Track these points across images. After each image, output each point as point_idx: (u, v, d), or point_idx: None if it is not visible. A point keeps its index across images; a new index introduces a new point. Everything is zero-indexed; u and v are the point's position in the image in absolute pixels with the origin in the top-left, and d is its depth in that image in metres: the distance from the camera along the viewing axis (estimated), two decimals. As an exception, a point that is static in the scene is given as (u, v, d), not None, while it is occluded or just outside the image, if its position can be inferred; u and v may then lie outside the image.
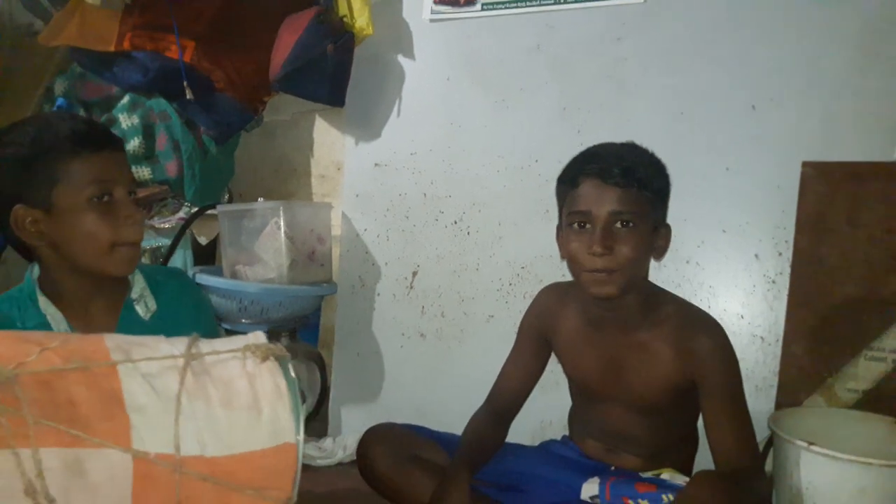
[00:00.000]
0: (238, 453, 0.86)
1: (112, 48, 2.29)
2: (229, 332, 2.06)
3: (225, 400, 0.87)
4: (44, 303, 1.16)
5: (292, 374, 0.92)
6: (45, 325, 1.15)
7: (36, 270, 1.19)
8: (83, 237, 1.11)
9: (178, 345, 0.92)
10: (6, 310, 1.16)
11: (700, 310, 1.39)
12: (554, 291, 1.51)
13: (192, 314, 1.30)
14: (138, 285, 1.24)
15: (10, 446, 0.74)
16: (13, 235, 1.13)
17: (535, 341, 1.50)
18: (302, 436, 0.89)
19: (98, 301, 1.20)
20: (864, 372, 1.72)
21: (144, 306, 1.23)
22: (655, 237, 1.30)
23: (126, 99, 2.35)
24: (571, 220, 1.28)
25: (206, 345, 0.94)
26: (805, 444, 1.46)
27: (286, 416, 0.89)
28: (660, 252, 1.33)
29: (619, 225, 1.24)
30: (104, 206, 1.11)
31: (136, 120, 2.30)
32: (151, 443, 0.81)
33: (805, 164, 1.82)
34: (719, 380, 1.27)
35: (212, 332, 1.19)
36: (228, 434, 0.86)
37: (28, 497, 0.74)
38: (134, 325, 1.19)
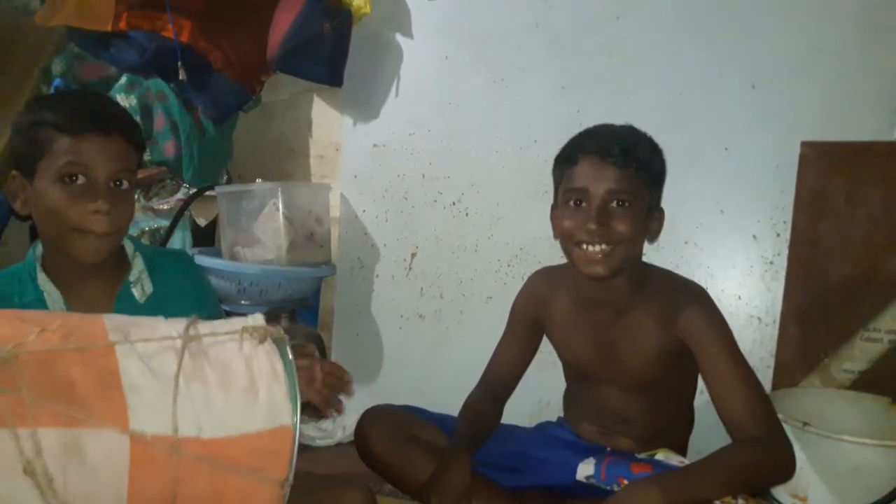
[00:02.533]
0: (234, 435, 0.86)
1: (109, 28, 2.27)
2: (229, 314, 2.05)
3: (222, 382, 0.87)
4: (42, 280, 1.17)
5: (290, 356, 0.92)
6: (41, 302, 1.15)
7: (38, 248, 1.19)
8: (48, 214, 1.11)
9: (177, 326, 0.92)
10: (5, 285, 1.16)
11: (684, 278, 1.38)
12: (545, 275, 1.51)
13: (191, 297, 1.29)
14: (137, 268, 1.24)
15: (9, 425, 0.74)
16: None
17: (527, 325, 1.51)
18: (298, 418, 0.90)
19: (95, 281, 1.19)
20: (860, 353, 1.73)
21: (140, 289, 1.23)
22: (649, 220, 1.30)
23: (123, 79, 2.33)
24: (568, 197, 1.28)
25: (204, 326, 0.94)
26: (800, 424, 1.47)
27: (282, 398, 0.90)
28: (653, 235, 1.33)
29: (614, 204, 1.24)
30: (74, 188, 1.10)
31: (133, 101, 2.29)
32: (148, 423, 0.81)
33: (804, 144, 1.82)
34: (709, 340, 1.25)
35: (214, 315, 1.18)
36: (225, 416, 0.86)
37: (27, 476, 0.74)
38: (129, 307, 1.19)
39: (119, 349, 0.84)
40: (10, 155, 1.16)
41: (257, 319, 0.97)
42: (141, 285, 1.23)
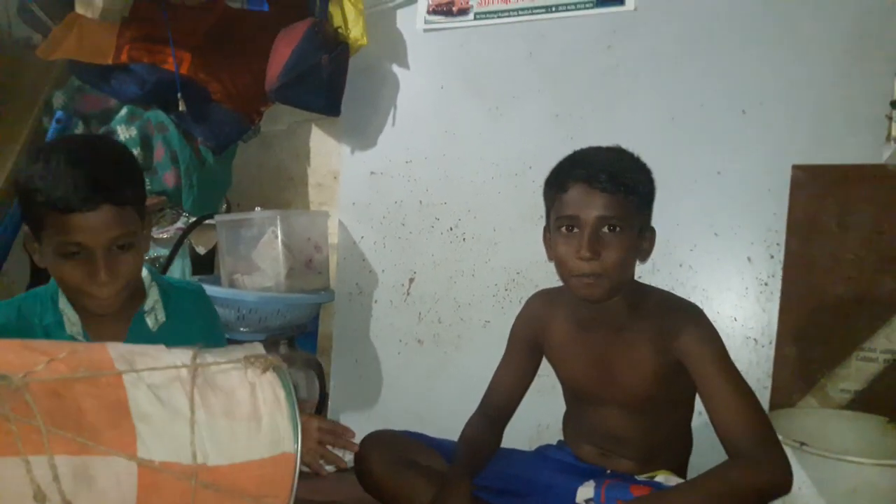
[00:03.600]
0: (239, 462, 0.88)
1: (110, 61, 2.31)
2: (229, 341, 2.07)
3: (227, 410, 0.89)
4: (63, 304, 1.22)
5: (290, 384, 0.95)
6: (60, 325, 1.20)
7: None
8: (58, 279, 1.17)
9: (181, 355, 0.94)
10: (28, 307, 1.21)
11: (680, 298, 1.39)
12: (543, 297, 1.53)
13: (201, 329, 1.33)
14: (152, 297, 1.29)
15: (21, 453, 0.76)
16: None
17: (526, 347, 1.52)
18: (300, 445, 0.91)
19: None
20: (856, 372, 1.74)
21: (154, 318, 1.28)
22: (641, 240, 1.32)
23: (124, 111, 2.37)
24: (560, 223, 1.30)
25: (208, 355, 0.96)
26: (797, 444, 1.48)
27: (285, 425, 0.92)
28: (644, 255, 1.35)
29: (606, 230, 1.26)
30: (74, 261, 1.12)
31: (133, 132, 2.33)
32: (157, 451, 0.83)
33: (795, 167, 1.84)
34: (705, 358, 1.25)
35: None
36: (230, 444, 0.88)
37: (37, 502, 0.75)
38: (142, 335, 1.24)
39: (126, 378, 0.86)
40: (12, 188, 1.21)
41: (257, 348, 0.99)
42: (155, 314, 1.28)
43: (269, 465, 0.90)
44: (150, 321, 1.27)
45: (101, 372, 0.85)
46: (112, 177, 1.14)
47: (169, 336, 1.16)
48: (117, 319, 1.24)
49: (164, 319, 1.29)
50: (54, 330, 1.19)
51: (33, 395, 0.79)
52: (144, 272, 1.30)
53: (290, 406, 0.93)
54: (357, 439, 1.54)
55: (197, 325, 1.34)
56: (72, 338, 1.20)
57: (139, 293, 1.28)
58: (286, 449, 0.91)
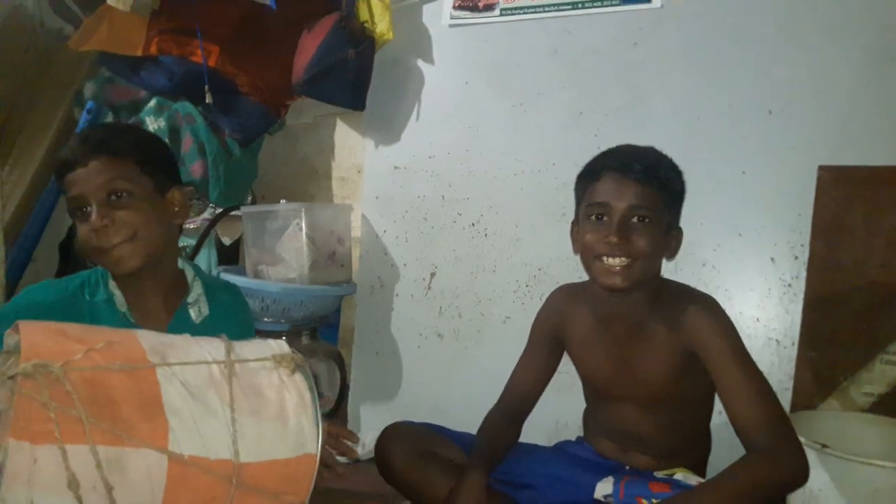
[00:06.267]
0: (265, 461, 0.91)
1: (140, 53, 2.35)
2: (251, 331, 2.10)
3: (256, 409, 0.92)
4: (112, 285, 1.27)
5: (314, 386, 0.98)
6: (110, 302, 1.25)
7: None
8: (81, 243, 1.23)
9: (210, 349, 0.96)
10: (78, 286, 1.26)
11: (695, 289, 1.39)
12: (565, 292, 1.54)
13: (239, 325, 1.39)
14: (195, 291, 1.34)
15: (58, 441, 0.78)
16: None
17: (548, 342, 1.53)
18: (320, 445, 0.94)
19: (156, 298, 1.29)
20: (880, 376, 1.73)
21: (198, 310, 1.33)
22: (668, 238, 1.32)
23: (153, 102, 2.40)
24: (590, 211, 1.31)
25: (238, 348, 0.99)
26: (818, 447, 1.47)
27: (310, 427, 0.95)
28: (671, 253, 1.35)
29: (635, 220, 1.27)
30: (86, 215, 1.21)
31: (162, 123, 2.36)
32: (186, 445, 0.85)
33: (821, 168, 1.83)
34: (717, 346, 1.26)
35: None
36: (257, 442, 0.90)
37: (70, 490, 0.78)
38: (186, 325, 1.28)
39: (160, 371, 0.88)
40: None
41: (283, 346, 1.02)
42: (198, 307, 1.33)
43: (293, 465, 0.93)
44: (193, 313, 1.32)
45: (136, 365, 0.88)
46: (105, 133, 1.27)
47: (210, 329, 1.19)
48: (161, 308, 1.29)
49: (207, 313, 1.33)
50: (104, 308, 1.24)
51: (73, 384, 0.81)
52: (189, 269, 1.36)
53: (314, 408, 0.96)
54: (377, 430, 1.57)
55: (235, 320, 1.39)
56: (122, 315, 1.25)
57: (182, 286, 1.33)
58: (309, 450, 0.94)
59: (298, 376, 0.98)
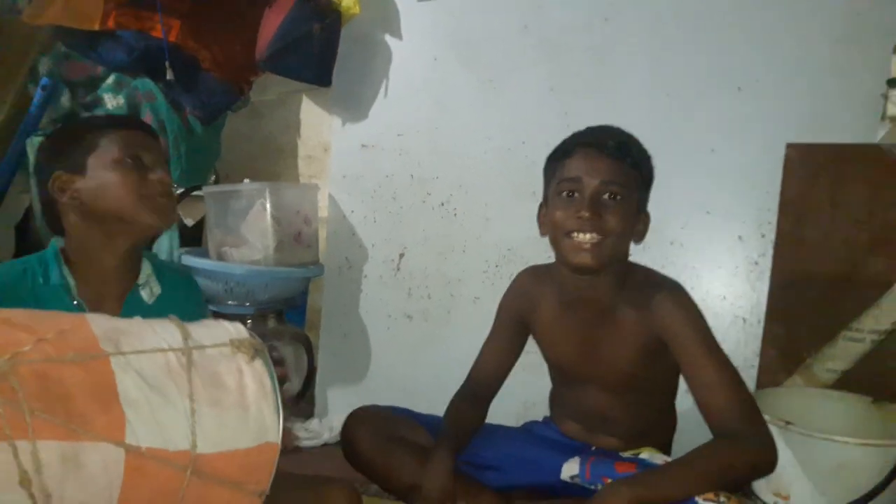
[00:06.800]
0: (225, 451, 0.88)
1: (97, 27, 2.26)
2: (215, 315, 2.06)
3: (215, 398, 0.89)
4: (66, 272, 1.24)
5: (274, 372, 0.95)
6: (63, 287, 1.22)
7: (59, 242, 1.28)
8: (113, 188, 1.22)
9: (165, 334, 0.93)
10: (19, 272, 1.22)
11: (661, 274, 1.39)
12: (532, 274, 1.52)
13: (192, 304, 1.38)
14: (145, 272, 1.31)
15: (7, 437, 0.75)
16: (47, 206, 1.27)
17: (514, 323, 1.52)
18: (281, 435, 0.92)
19: (110, 280, 1.27)
20: (843, 352, 1.75)
21: (149, 291, 1.31)
22: (637, 221, 1.31)
23: (111, 79, 2.32)
24: (561, 188, 1.29)
25: (193, 332, 0.95)
26: (783, 424, 1.49)
27: (270, 415, 0.92)
28: (639, 236, 1.34)
29: (607, 196, 1.26)
30: (133, 166, 1.23)
31: (121, 100, 2.28)
32: (144, 437, 0.82)
33: (789, 146, 1.83)
34: (685, 333, 1.25)
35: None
36: (217, 432, 0.88)
37: (23, 488, 0.75)
38: (138, 308, 1.25)
39: (115, 361, 0.85)
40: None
41: (240, 330, 0.99)
42: (150, 287, 1.31)
43: (254, 454, 0.91)
44: (145, 294, 1.30)
45: (89, 354, 0.84)
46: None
47: (165, 308, 1.16)
48: (114, 291, 1.27)
49: (159, 292, 1.31)
50: (53, 294, 1.21)
51: (20, 378, 0.77)
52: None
53: (275, 396, 0.93)
54: (344, 414, 1.55)
55: (189, 298, 1.38)
56: (76, 304, 1.22)
57: (134, 267, 1.31)
58: (270, 439, 0.92)
59: (258, 363, 0.96)
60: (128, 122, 1.30)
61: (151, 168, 1.25)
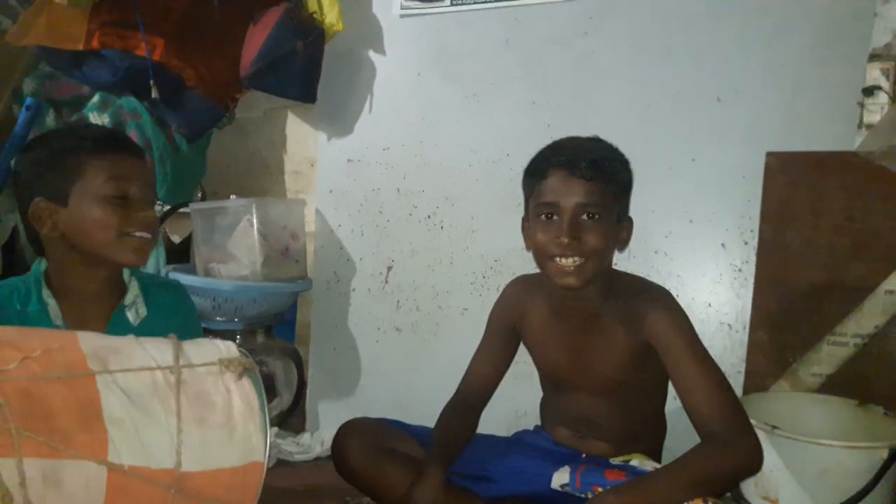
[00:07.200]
0: (210, 470, 0.88)
1: (81, 47, 2.27)
2: (204, 331, 2.06)
3: (201, 417, 0.89)
4: (46, 294, 1.23)
5: (263, 390, 0.95)
6: (44, 312, 1.21)
7: (43, 263, 1.26)
8: (94, 225, 1.18)
9: (154, 352, 0.93)
10: (8, 294, 1.21)
11: (648, 281, 1.41)
12: (521, 283, 1.53)
13: (180, 325, 1.33)
14: (132, 292, 1.30)
15: None
16: (29, 228, 1.23)
17: (504, 333, 1.53)
18: (268, 455, 0.93)
19: (94, 302, 1.26)
20: (827, 357, 1.77)
21: (135, 312, 1.29)
22: (619, 229, 1.33)
23: (96, 98, 2.33)
24: (539, 211, 1.31)
25: (186, 350, 0.95)
26: (769, 428, 1.50)
27: (257, 435, 0.92)
28: (622, 244, 1.36)
29: (585, 217, 1.27)
30: (118, 201, 1.19)
31: (106, 119, 2.29)
32: (127, 455, 0.82)
33: (769, 154, 1.86)
34: (674, 339, 1.27)
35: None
36: (202, 451, 0.88)
37: None
38: (123, 330, 1.23)
39: (100, 380, 0.85)
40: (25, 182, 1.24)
41: (230, 349, 0.99)
42: (136, 309, 1.29)
43: (240, 474, 0.91)
44: (130, 315, 1.28)
45: (74, 373, 0.84)
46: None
47: (149, 331, 1.15)
48: (98, 312, 1.25)
49: (145, 314, 1.30)
50: (37, 317, 1.20)
51: (5, 395, 0.77)
52: (125, 270, 1.32)
53: (262, 415, 0.93)
54: (335, 428, 1.55)
55: (176, 321, 1.35)
56: (57, 327, 1.21)
57: (119, 287, 1.30)
58: (256, 458, 0.92)
59: (247, 381, 0.96)
60: (115, 143, 1.24)
61: (137, 202, 1.21)
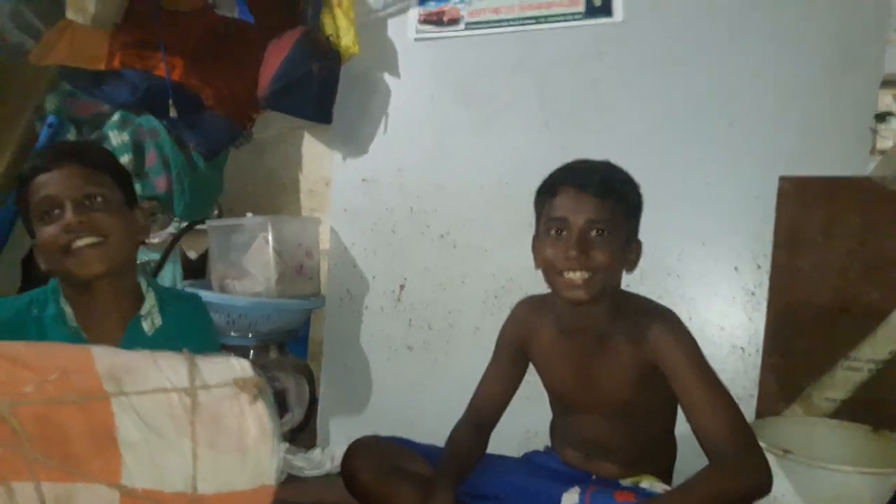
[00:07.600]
0: (223, 493, 0.89)
1: (102, 67, 2.32)
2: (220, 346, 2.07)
3: (214, 440, 0.90)
4: (63, 301, 1.26)
5: (275, 413, 0.96)
6: (59, 317, 1.24)
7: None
8: (42, 248, 1.22)
9: (169, 371, 0.93)
10: (23, 305, 1.25)
11: (653, 302, 1.42)
12: (530, 304, 1.54)
13: (196, 337, 1.35)
14: (148, 302, 1.32)
15: (4, 479, 0.76)
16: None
17: (513, 353, 1.54)
18: (277, 476, 0.93)
19: (110, 314, 1.28)
20: (842, 382, 1.75)
21: (150, 322, 1.31)
22: (627, 251, 1.34)
23: (116, 116, 2.37)
24: (549, 226, 1.32)
25: (200, 368, 0.96)
26: (780, 453, 1.49)
27: (268, 458, 0.93)
28: (631, 265, 1.37)
29: (594, 233, 1.28)
30: (55, 218, 1.20)
31: (126, 137, 2.33)
32: (140, 479, 0.83)
33: (782, 179, 1.86)
34: (678, 359, 1.28)
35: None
36: (215, 474, 0.88)
37: None
38: (138, 339, 1.26)
39: (115, 402, 0.86)
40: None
41: (245, 368, 0.99)
42: (151, 319, 1.31)
43: (250, 497, 0.91)
44: (146, 325, 1.30)
45: (90, 397, 0.85)
46: (78, 146, 1.39)
47: (164, 341, 1.17)
48: (114, 322, 1.28)
49: (160, 324, 1.32)
50: (52, 324, 1.23)
51: (21, 420, 0.78)
52: (143, 281, 1.34)
53: (274, 438, 0.94)
54: (346, 444, 1.56)
55: (192, 333, 1.36)
56: (73, 330, 1.24)
57: (137, 300, 1.32)
58: (266, 482, 0.93)
59: (260, 404, 0.96)
60: (40, 165, 1.22)
61: (63, 210, 1.19)
